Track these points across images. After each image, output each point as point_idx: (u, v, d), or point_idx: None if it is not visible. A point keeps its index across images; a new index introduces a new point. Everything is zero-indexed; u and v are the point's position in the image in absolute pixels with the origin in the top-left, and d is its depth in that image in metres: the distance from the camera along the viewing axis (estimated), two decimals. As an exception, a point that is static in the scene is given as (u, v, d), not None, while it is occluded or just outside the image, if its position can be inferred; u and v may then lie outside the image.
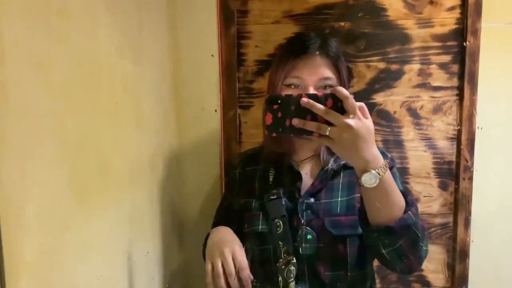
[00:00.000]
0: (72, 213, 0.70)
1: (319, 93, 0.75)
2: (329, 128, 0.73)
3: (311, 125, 0.74)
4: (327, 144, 0.76)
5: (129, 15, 0.96)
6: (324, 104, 0.74)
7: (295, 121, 0.75)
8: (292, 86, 0.96)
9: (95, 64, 0.79)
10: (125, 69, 0.93)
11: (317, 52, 0.96)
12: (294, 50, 0.97)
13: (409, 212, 0.82)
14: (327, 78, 0.95)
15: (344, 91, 0.73)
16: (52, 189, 0.64)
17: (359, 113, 0.73)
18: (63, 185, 0.67)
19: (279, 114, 0.77)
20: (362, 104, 0.75)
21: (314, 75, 0.94)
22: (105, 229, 0.82)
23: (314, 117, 0.75)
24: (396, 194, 0.82)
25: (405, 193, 0.86)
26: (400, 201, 0.83)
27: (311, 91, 0.94)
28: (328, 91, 0.95)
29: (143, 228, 1.04)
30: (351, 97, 0.73)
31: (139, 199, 1.02)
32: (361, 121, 0.73)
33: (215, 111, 1.34)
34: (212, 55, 1.33)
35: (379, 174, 0.76)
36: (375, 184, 0.76)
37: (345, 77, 0.99)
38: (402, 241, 0.83)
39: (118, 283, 0.89)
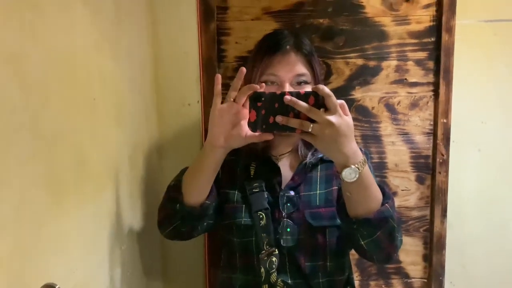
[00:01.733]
0: (48, 209, 0.69)
1: (302, 91, 0.79)
2: (311, 125, 0.76)
3: (294, 122, 0.77)
4: (310, 141, 0.79)
5: (106, 10, 0.95)
6: (306, 102, 0.77)
7: (279, 118, 0.78)
8: (268, 83, 0.98)
9: (71, 60, 0.78)
10: (102, 65, 0.93)
11: (292, 49, 0.98)
12: (269, 48, 1.00)
13: (386, 204, 0.87)
14: (301, 75, 0.98)
15: (325, 89, 0.76)
16: (27, 185, 0.64)
17: (340, 110, 0.77)
18: (39, 181, 0.67)
19: (263, 111, 0.80)
20: (343, 101, 0.79)
21: (289, 72, 0.97)
22: (83, 225, 0.82)
23: (297, 114, 0.78)
24: (374, 187, 0.86)
25: (382, 186, 0.90)
26: (378, 194, 0.87)
27: (287, 87, 0.96)
28: (304, 87, 0.98)
29: (123, 224, 1.03)
30: (332, 95, 0.76)
31: (119, 195, 1.01)
32: (342, 118, 0.76)
33: (197, 102, 1.34)
34: (186, 52, 1.32)
35: (358, 169, 0.80)
36: (355, 179, 0.80)
37: (319, 73, 1.02)
38: (380, 232, 0.87)
39: (95, 278, 0.88)
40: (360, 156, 0.80)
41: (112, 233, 0.96)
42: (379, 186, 0.88)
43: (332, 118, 0.75)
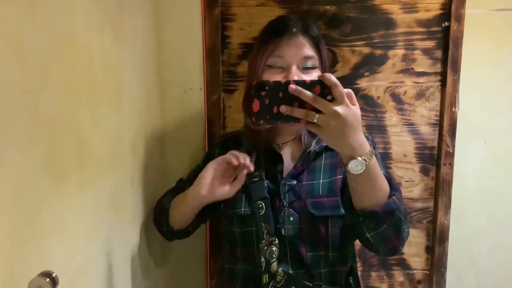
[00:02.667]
0: (48, 193, 0.68)
1: (307, 80, 0.75)
2: (317, 116, 0.73)
3: (299, 112, 0.74)
4: (315, 131, 0.76)
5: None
6: (312, 91, 0.73)
7: (283, 108, 0.75)
8: (274, 67, 0.96)
9: (72, 42, 0.76)
10: (104, 48, 0.91)
11: (299, 32, 0.96)
12: (276, 30, 0.97)
13: (393, 197, 0.84)
14: (309, 57, 0.96)
15: (332, 78, 0.73)
16: (27, 169, 0.62)
17: (347, 100, 0.73)
18: (38, 165, 0.65)
19: (267, 101, 0.77)
20: (350, 90, 0.75)
21: (297, 54, 0.95)
22: (83, 210, 0.80)
23: (302, 103, 0.74)
24: (381, 179, 0.83)
25: (389, 177, 0.88)
26: (385, 186, 0.84)
27: (293, 70, 0.94)
28: (310, 72, 0.95)
29: (123, 210, 1.02)
30: (339, 84, 0.73)
31: (120, 181, 1.00)
32: (349, 108, 0.73)
33: (200, 89, 1.33)
34: (189, 38, 1.31)
35: (365, 161, 0.77)
36: (361, 171, 0.77)
37: (326, 59, 1.00)
38: (386, 225, 0.85)
39: (94, 264, 0.88)
40: (367, 148, 0.77)
41: (112, 219, 0.95)
42: (386, 177, 0.86)
43: (338, 108, 0.72)
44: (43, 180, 0.67)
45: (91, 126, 0.84)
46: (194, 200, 1.00)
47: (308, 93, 0.73)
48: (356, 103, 0.75)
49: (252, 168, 0.94)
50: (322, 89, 0.74)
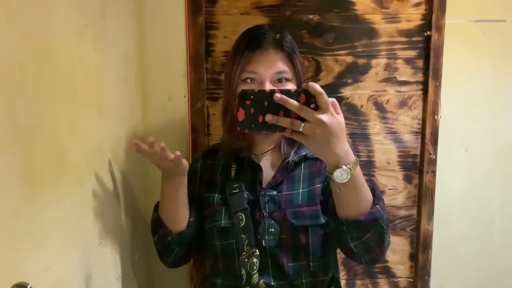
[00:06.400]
0: (23, 201, 0.65)
1: (292, 89, 0.75)
2: (302, 124, 0.73)
3: (284, 121, 0.74)
4: (300, 140, 0.76)
5: (90, -2, 0.92)
6: (297, 100, 0.74)
7: (269, 117, 0.75)
8: (249, 81, 0.96)
9: (51, 47, 0.75)
10: (85, 54, 0.89)
11: (271, 46, 0.95)
12: (248, 44, 0.96)
13: (377, 206, 0.85)
14: (282, 72, 0.95)
15: (317, 87, 0.73)
16: (1, 176, 0.60)
17: (331, 109, 0.74)
18: (14, 172, 0.63)
19: (252, 110, 0.76)
20: (334, 100, 0.75)
21: (270, 69, 0.94)
22: (61, 220, 0.78)
23: (287, 112, 0.74)
24: (365, 188, 0.84)
25: (372, 186, 0.88)
26: (368, 195, 0.85)
27: (267, 85, 0.94)
28: (284, 84, 0.96)
29: (103, 220, 1.00)
30: (324, 93, 0.73)
31: (100, 190, 0.98)
32: (333, 117, 0.74)
33: (184, 97, 1.32)
34: (173, 45, 1.30)
35: (350, 169, 0.77)
36: (346, 180, 0.78)
37: (300, 70, 0.99)
38: (369, 234, 0.85)
39: (71, 276, 0.85)
40: (352, 157, 0.78)
41: (91, 229, 0.93)
42: (369, 186, 0.86)
43: (323, 117, 0.72)
44: (19, 188, 0.65)
45: (70, 133, 0.82)
46: (166, 180, 1.00)
47: (293, 102, 0.73)
48: (340, 112, 0.76)
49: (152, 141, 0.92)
50: (307, 98, 0.74)
